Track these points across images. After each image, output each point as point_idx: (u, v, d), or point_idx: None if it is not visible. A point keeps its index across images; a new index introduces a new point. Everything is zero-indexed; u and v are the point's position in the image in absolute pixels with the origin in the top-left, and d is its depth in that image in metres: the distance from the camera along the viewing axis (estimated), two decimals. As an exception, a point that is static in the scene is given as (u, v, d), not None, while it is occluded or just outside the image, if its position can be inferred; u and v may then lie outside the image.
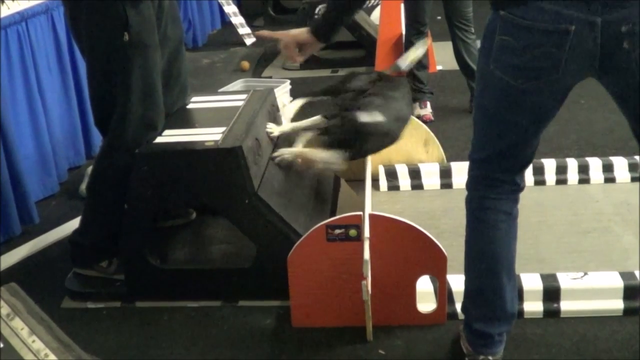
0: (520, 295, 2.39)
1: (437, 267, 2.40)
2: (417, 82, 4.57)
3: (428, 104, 4.57)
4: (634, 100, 1.84)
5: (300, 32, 2.28)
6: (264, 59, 6.27)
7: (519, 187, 2.11)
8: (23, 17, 3.48)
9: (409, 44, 4.55)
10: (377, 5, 6.26)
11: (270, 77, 5.56)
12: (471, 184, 2.15)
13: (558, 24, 1.76)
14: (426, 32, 4.52)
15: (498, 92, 1.94)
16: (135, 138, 2.58)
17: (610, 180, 3.38)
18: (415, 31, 4.46)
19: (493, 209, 2.10)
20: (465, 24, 4.34)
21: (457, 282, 2.48)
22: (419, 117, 4.23)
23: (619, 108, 1.93)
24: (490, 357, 2.16)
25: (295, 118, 3.04)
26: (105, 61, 2.56)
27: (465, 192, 2.18)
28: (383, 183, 3.47)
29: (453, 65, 5.23)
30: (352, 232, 2.36)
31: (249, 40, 6.78)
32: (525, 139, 2.00)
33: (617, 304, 2.45)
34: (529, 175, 3.40)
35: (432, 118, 4.47)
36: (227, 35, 7.13)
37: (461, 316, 2.43)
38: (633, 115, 1.89)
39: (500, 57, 1.88)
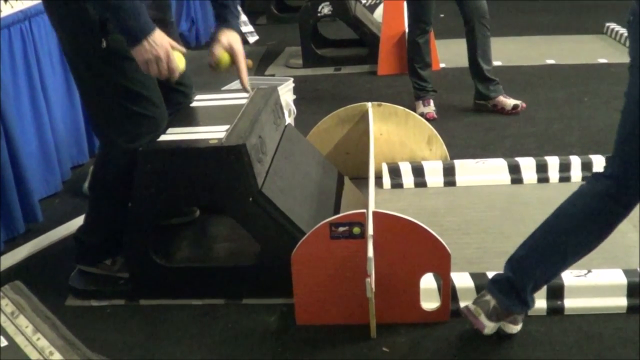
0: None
1: (440, 265, 2.40)
2: (420, 80, 4.57)
3: (431, 101, 4.56)
4: None
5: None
6: (266, 57, 6.27)
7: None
8: (26, 16, 3.48)
9: (413, 45, 4.54)
10: (380, 3, 6.27)
11: (273, 75, 5.57)
12: None
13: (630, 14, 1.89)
14: (430, 31, 4.51)
15: None
16: (129, 139, 2.56)
17: (613, 177, 3.38)
18: (419, 30, 4.45)
19: (590, 184, 2.11)
20: (487, 22, 4.29)
21: (460, 279, 2.49)
22: (422, 114, 4.20)
23: None
24: (493, 302, 2.22)
25: None
26: (85, 67, 2.55)
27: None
28: (386, 181, 3.47)
29: (456, 62, 5.25)
30: (356, 230, 2.36)
31: (252, 39, 6.78)
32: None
33: (620, 301, 2.45)
34: (532, 172, 3.41)
35: (435, 116, 4.45)
36: (230, 34, 7.12)
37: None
38: None
39: None
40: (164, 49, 2.38)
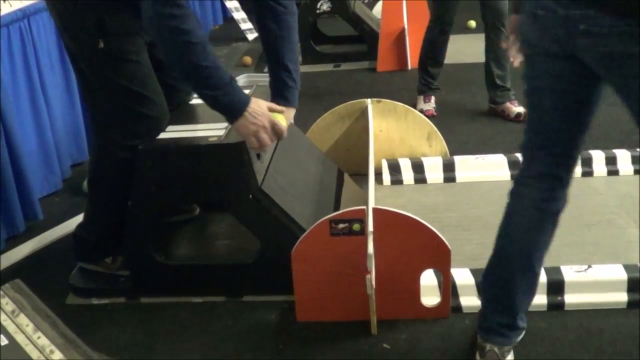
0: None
1: (441, 261, 2.40)
2: (427, 76, 4.52)
3: (432, 99, 4.54)
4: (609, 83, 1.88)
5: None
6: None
7: (549, 171, 2.03)
8: (25, 14, 3.48)
9: (430, 43, 4.44)
10: (379, -1, 6.26)
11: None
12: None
13: (532, 8, 1.86)
14: (450, 31, 4.40)
15: (525, 62, 1.99)
16: (130, 137, 2.56)
17: (613, 172, 3.38)
18: (439, 30, 4.35)
19: (519, 194, 2.07)
20: (502, 25, 4.14)
21: (461, 275, 2.49)
22: (421, 111, 4.18)
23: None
24: (495, 349, 2.16)
25: None
26: (86, 65, 2.56)
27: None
28: (386, 177, 3.47)
29: (457, 59, 5.23)
30: (356, 227, 2.36)
31: (251, 36, 6.77)
32: (548, 114, 1.98)
33: (621, 297, 2.45)
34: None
35: (435, 113, 4.42)
36: (229, 31, 7.12)
37: (465, 310, 2.45)
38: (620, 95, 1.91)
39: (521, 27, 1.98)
40: (266, 116, 2.38)
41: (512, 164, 3.41)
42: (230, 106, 2.35)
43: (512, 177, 3.38)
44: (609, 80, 1.83)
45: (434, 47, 4.46)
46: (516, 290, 2.10)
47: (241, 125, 2.37)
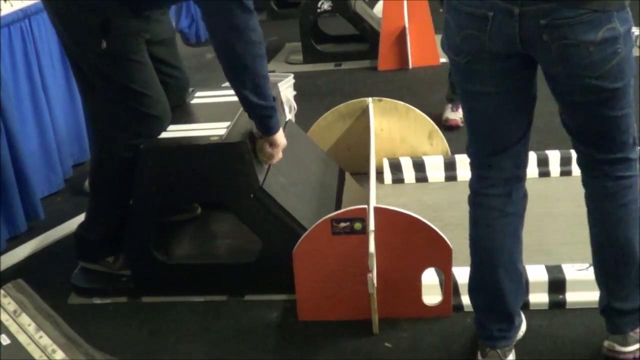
0: (525, 287, 2.39)
1: (442, 260, 2.40)
2: None
3: (460, 108, 4.15)
4: (556, 89, 1.90)
5: None
6: (267, 53, 6.24)
7: (509, 174, 2.06)
8: (26, 14, 3.48)
9: None
10: (380, -2, 6.25)
11: (274, 72, 5.55)
12: (470, 179, 2.16)
13: (478, 9, 1.83)
14: None
15: (454, 69, 2.00)
16: (132, 136, 2.57)
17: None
18: None
19: (483, 205, 2.10)
20: None
21: (462, 274, 2.48)
22: (445, 120, 4.08)
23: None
24: (498, 350, 2.16)
25: None
26: (87, 67, 2.56)
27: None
28: (387, 176, 3.47)
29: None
30: (357, 226, 2.36)
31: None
32: (492, 120, 2.00)
33: (622, 295, 2.44)
34: (533, 166, 3.40)
35: (461, 125, 4.08)
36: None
37: (467, 308, 2.44)
38: (559, 102, 1.95)
39: (446, 36, 1.96)
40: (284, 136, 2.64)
41: (514, 163, 3.41)
42: (274, 119, 2.55)
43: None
44: (560, 70, 1.83)
45: None
46: (507, 294, 2.11)
47: (278, 138, 2.59)
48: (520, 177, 2.09)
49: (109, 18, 2.44)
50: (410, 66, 5.37)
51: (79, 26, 2.49)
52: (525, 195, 2.13)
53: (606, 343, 2.17)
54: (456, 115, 4.16)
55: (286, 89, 4.03)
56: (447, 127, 4.04)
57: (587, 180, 2.06)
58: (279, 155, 2.64)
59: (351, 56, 5.76)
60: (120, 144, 2.58)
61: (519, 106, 2.00)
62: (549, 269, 2.48)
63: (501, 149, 2.04)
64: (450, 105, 4.22)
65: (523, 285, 2.20)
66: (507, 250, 2.09)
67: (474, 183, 2.14)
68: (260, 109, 2.50)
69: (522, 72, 1.93)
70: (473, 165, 2.14)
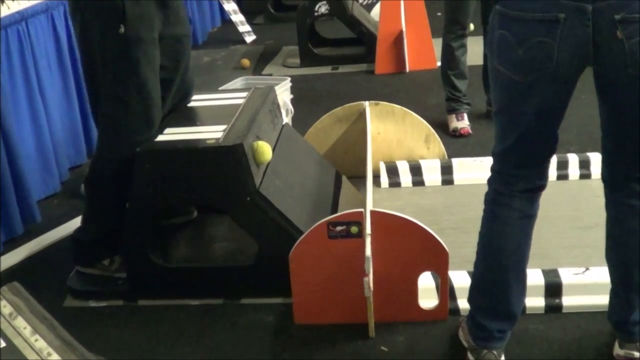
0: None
1: (438, 264, 2.40)
2: (454, 89, 4.17)
3: (465, 115, 4.16)
4: (615, 94, 1.88)
5: None
6: (264, 56, 6.26)
7: (534, 186, 2.07)
8: (23, 17, 3.47)
9: (447, 49, 4.16)
10: (377, 1, 6.26)
11: (271, 75, 5.56)
12: (490, 178, 2.15)
13: (547, 13, 1.78)
14: (467, 35, 4.14)
15: (505, 87, 1.95)
16: (131, 133, 2.58)
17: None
18: (454, 34, 4.08)
19: (506, 205, 2.08)
20: None
21: (458, 278, 2.49)
22: (455, 130, 4.05)
23: (599, 102, 1.95)
24: (494, 352, 2.16)
25: None
26: (100, 54, 2.56)
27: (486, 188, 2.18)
28: (384, 179, 3.47)
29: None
30: (354, 229, 2.36)
31: (249, 38, 6.78)
32: (534, 134, 1.99)
33: (619, 299, 2.45)
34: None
35: (471, 132, 4.06)
36: (227, 33, 7.13)
37: (463, 312, 2.44)
38: (609, 110, 1.94)
39: (501, 52, 1.90)
40: None
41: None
42: None
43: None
44: (629, 73, 1.79)
45: (452, 54, 4.13)
46: (512, 295, 2.12)
47: None
48: (544, 185, 2.10)
49: (125, 3, 2.48)
50: (407, 70, 5.38)
51: (99, 11, 2.51)
52: (539, 201, 2.13)
53: (622, 352, 2.18)
54: (463, 123, 4.12)
55: (283, 92, 4.02)
56: (458, 136, 4.05)
57: (613, 199, 2.07)
58: None
59: (348, 59, 5.76)
60: (117, 147, 2.58)
61: (557, 124, 2.00)
62: (546, 273, 2.48)
63: (532, 164, 2.06)
64: (454, 115, 4.17)
65: (525, 287, 2.20)
66: (520, 251, 2.11)
67: (497, 184, 2.12)
68: None
69: (571, 95, 1.92)
70: (499, 171, 2.12)
